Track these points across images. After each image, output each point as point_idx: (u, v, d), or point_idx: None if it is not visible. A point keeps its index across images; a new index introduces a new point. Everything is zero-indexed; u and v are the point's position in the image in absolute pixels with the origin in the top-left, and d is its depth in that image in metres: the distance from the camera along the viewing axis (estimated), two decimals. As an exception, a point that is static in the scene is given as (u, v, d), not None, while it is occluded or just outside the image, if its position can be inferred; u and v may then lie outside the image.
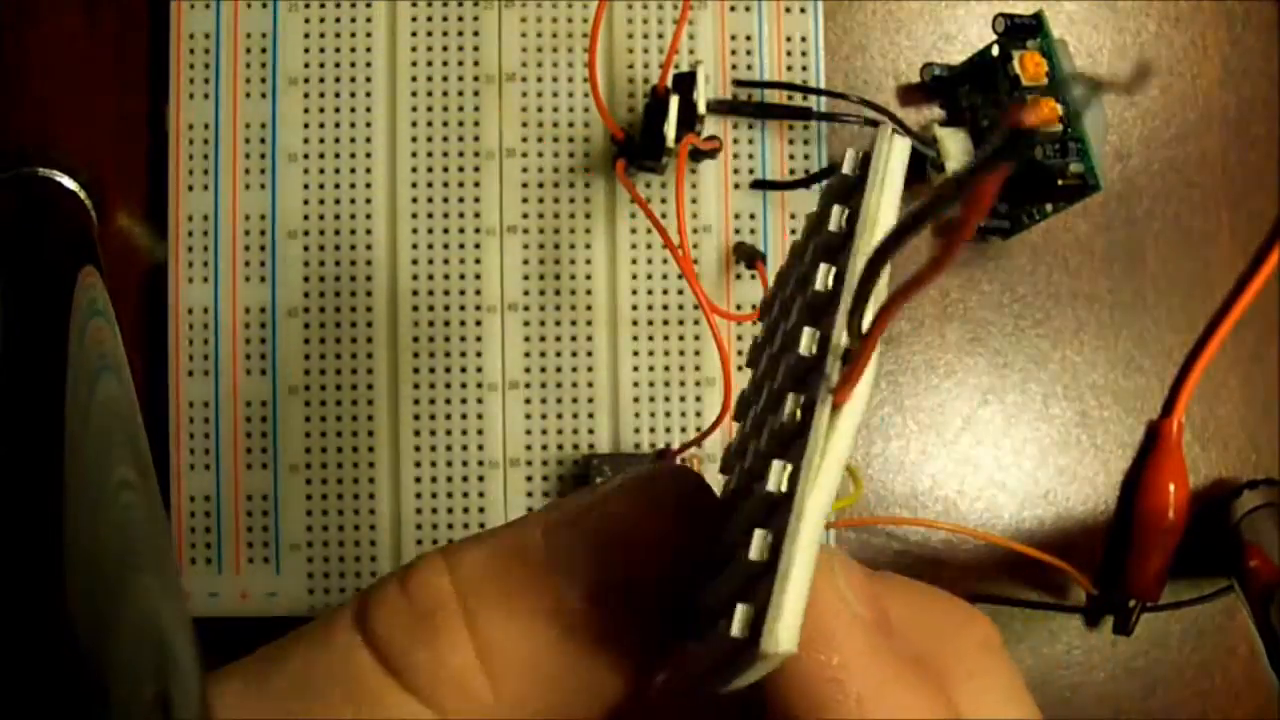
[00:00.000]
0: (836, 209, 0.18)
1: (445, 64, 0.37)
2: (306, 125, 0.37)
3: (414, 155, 0.37)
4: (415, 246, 0.37)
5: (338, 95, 0.37)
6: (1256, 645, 0.37)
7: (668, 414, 0.37)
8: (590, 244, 0.37)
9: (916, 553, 0.39)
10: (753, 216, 0.38)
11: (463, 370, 0.37)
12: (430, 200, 0.37)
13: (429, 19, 0.37)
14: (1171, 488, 0.39)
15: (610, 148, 0.37)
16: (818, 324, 0.17)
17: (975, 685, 0.20)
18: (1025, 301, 0.40)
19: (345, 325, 0.37)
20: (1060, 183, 0.36)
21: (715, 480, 0.37)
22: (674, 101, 0.35)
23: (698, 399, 0.37)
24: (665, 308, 0.37)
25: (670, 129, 0.35)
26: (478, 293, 0.37)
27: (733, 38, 0.38)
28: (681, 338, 0.37)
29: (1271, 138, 0.41)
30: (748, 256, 0.37)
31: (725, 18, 0.38)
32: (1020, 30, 0.37)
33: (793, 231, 0.38)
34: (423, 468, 0.36)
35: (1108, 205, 0.40)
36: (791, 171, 0.38)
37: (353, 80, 0.37)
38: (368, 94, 0.37)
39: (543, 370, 0.37)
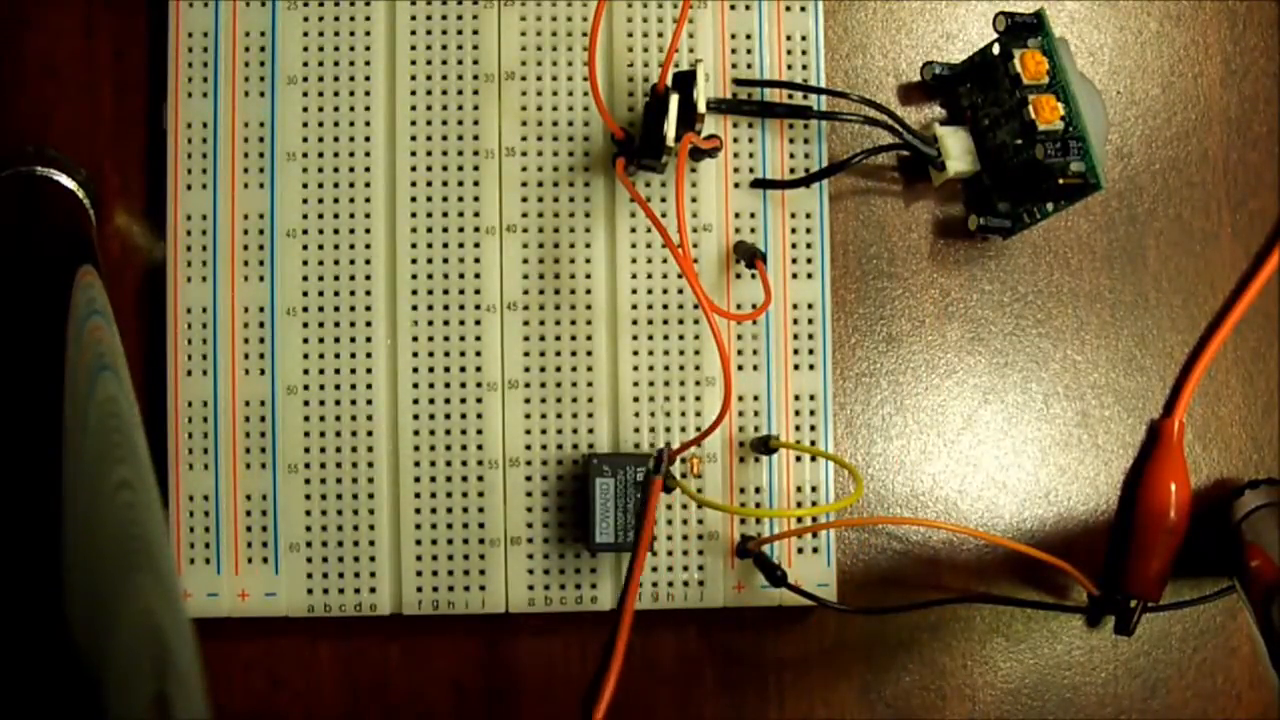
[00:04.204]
0: None
1: (445, 63, 0.37)
2: (305, 124, 0.37)
3: (413, 154, 0.37)
4: (415, 246, 0.37)
5: (337, 94, 0.37)
6: (1258, 645, 0.37)
7: (668, 414, 0.37)
8: (590, 243, 0.37)
9: (916, 553, 0.39)
10: (753, 215, 0.38)
11: (462, 370, 0.37)
12: (430, 199, 0.37)
13: (428, 18, 0.37)
14: (1173, 487, 0.39)
15: (610, 147, 0.37)
16: None
17: None
18: (1026, 301, 0.40)
19: (345, 325, 0.36)
20: (1061, 182, 0.36)
21: (714, 478, 0.37)
22: (674, 100, 0.35)
23: (698, 399, 0.37)
24: (665, 307, 0.37)
25: (670, 128, 0.35)
26: (477, 292, 0.37)
27: (733, 36, 0.38)
28: (681, 337, 0.37)
29: (1273, 136, 0.41)
30: (748, 255, 0.37)
31: (725, 16, 0.38)
32: (1021, 29, 0.37)
33: (792, 230, 0.38)
34: (422, 468, 0.36)
35: (1109, 204, 0.40)
36: (791, 170, 0.38)
37: (352, 79, 0.37)
38: (367, 93, 0.37)
39: (542, 370, 0.37)
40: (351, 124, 0.37)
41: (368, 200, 0.37)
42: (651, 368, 0.37)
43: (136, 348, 0.37)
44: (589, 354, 0.37)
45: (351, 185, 0.37)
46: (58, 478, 0.23)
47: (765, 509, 0.37)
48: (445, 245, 0.37)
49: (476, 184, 0.37)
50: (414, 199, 0.37)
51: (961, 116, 0.39)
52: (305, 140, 0.37)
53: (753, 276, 0.37)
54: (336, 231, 0.37)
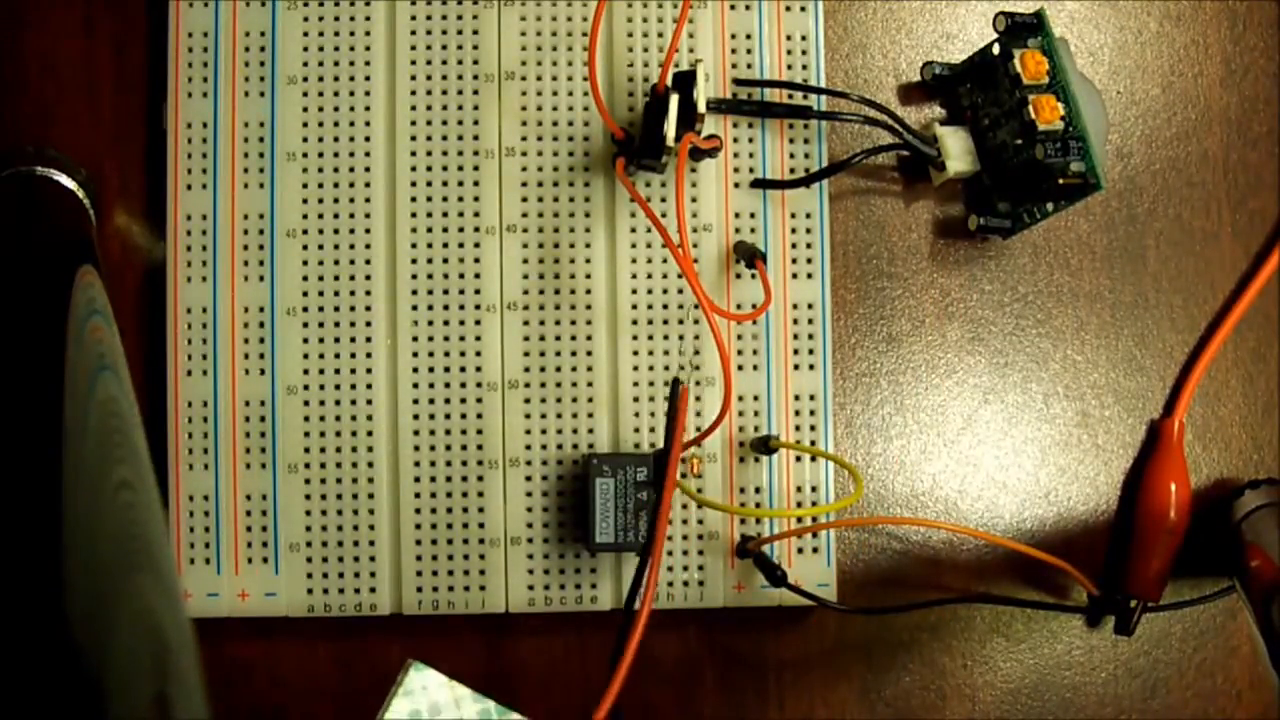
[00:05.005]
0: None
1: (445, 63, 0.37)
2: (305, 124, 0.37)
3: (414, 155, 0.37)
4: (415, 246, 0.37)
5: (337, 94, 0.37)
6: (1258, 645, 0.37)
7: (668, 414, 0.37)
8: (590, 243, 0.37)
9: (917, 553, 0.39)
10: (753, 215, 0.38)
11: (462, 370, 0.37)
12: (430, 200, 0.37)
13: (428, 18, 0.37)
14: (1173, 487, 0.39)
15: (610, 147, 0.37)
16: None
17: None
18: (1026, 301, 0.40)
19: (345, 325, 0.36)
20: (1061, 182, 0.36)
21: (714, 478, 0.37)
22: (674, 100, 0.35)
23: (698, 399, 0.37)
24: (665, 307, 0.37)
25: (670, 128, 0.35)
26: (477, 292, 0.37)
27: (733, 36, 0.38)
28: (681, 337, 0.37)
29: (1273, 137, 0.41)
30: (748, 255, 0.37)
31: (725, 16, 0.38)
32: (1021, 29, 0.37)
33: (792, 230, 0.38)
34: (422, 468, 0.36)
35: (1109, 204, 0.40)
36: (791, 170, 0.38)
37: (352, 79, 0.37)
38: (367, 93, 0.37)
39: (542, 370, 0.37)
40: (351, 124, 0.37)
41: (368, 200, 0.37)
42: (651, 368, 0.37)
43: (136, 348, 0.37)
44: (589, 354, 0.37)
45: (351, 185, 0.37)
46: (58, 478, 0.23)
47: (765, 509, 0.37)
48: (445, 245, 0.37)
49: (476, 184, 0.37)
50: (414, 199, 0.37)
51: (961, 116, 0.39)
52: (305, 140, 0.37)
53: (753, 276, 0.37)
54: (336, 231, 0.37)
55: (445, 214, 0.37)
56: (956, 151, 0.38)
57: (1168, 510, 0.39)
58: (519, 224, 0.37)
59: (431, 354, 0.37)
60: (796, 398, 0.37)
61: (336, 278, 0.36)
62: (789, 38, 0.38)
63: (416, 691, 0.25)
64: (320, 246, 0.36)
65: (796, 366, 0.37)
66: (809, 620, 0.38)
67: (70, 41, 0.37)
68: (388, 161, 0.37)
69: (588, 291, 0.37)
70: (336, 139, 0.37)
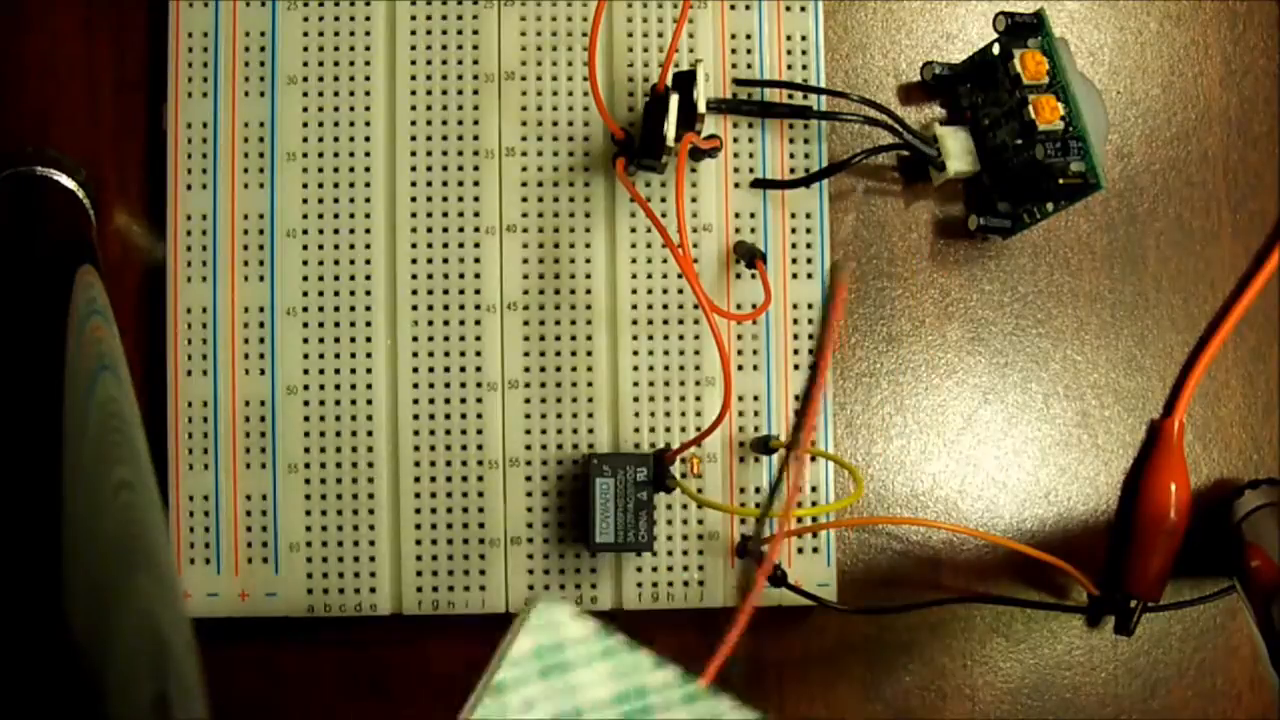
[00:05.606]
0: None
1: (445, 63, 0.37)
2: (305, 124, 0.37)
3: (414, 154, 0.37)
4: (415, 246, 0.37)
5: (337, 94, 0.37)
6: (1258, 645, 0.37)
7: (668, 414, 0.37)
8: (590, 243, 0.37)
9: (917, 553, 0.39)
10: (753, 215, 0.38)
11: (462, 370, 0.37)
12: (430, 200, 0.37)
13: (428, 18, 0.37)
14: (1173, 488, 0.39)
15: (610, 147, 0.37)
16: None
17: None
18: (1026, 301, 0.40)
19: (345, 325, 0.36)
20: (1061, 182, 0.36)
21: (714, 478, 0.37)
22: (674, 100, 0.35)
23: (698, 399, 0.37)
24: (665, 307, 0.37)
25: (670, 128, 0.35)
26: (477, 292, 0.37)
27: (733, 36, 0.38)
28: (681, 337, 0.37)
29: (1273, 137, 0.41)
30: (748, 255, 0.37)
31: (725, 16, 0.38)
32: (1021, 29, 0.37)
33: (792, 230, 0.38)
34: (422, 468, 0.36)
35: (1109, 204, 0.40)
36: (791, 170, 0.38)
37: (352, 79, 0.37)
38: (367, 93, 0.37)
39: (542, 370, 0.37)
40: (351, 124, 0.37)
41: (368, 200, 0.37)
42: (651, 368, 0.37)
43: (136, 348, 0.37)
44: (589, 354, 0.37)
45: (351, 185, 0.37)
46: (58, 478, 0.23)
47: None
48: (445, 245, 0.37)
49: (476, 184, 0.37)
50: (414, 199, 0.37)
51: (961, 116, 0.39)
52: (305, 140, 0.37)
53: (753, 276, 0.37)
54: (336, 231, 0.37)
55: (445, 214, 0.37)
56: (956, 151, 0.38)
57: (1168, 510, 0.39)
58: (519, 224, 0.37)
59: (431, 354, 0.37)
60: (796, 398, 0.37)
61: (336, 278, 0.36)
62: (789, 38, 0.38)
63: (541, 628, 0.25)
64: (320, 246, 0.37)
65: (796, 366, 0.37)
66: (809, 620, 0.38)
67: (70, 42, 0.37)
68: (388, 161, 0.37)
69: (588, 291, 0.37)
70: (336, 139, 0.37)
